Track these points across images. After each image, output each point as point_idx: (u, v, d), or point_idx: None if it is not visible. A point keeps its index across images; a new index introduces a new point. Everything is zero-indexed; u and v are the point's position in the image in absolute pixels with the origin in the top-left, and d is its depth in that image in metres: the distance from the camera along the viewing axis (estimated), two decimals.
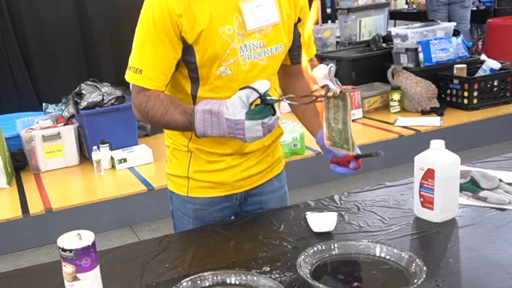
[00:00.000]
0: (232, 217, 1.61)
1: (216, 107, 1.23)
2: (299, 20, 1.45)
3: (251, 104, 1.20)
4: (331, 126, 1.22)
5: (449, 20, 5.97)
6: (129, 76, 1.36)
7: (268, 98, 1.20)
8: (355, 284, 1.12)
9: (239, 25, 1.34)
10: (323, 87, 1.20)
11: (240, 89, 1.21)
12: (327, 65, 5.14)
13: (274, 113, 1.21)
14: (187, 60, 1.36)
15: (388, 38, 5.17)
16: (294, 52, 1.49)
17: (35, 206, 3.44)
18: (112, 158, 4.01)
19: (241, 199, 1.57)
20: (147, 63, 1.33)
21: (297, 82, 1.52)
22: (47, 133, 4.01)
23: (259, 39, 1.37)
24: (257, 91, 1.19)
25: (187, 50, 1.34)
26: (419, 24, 5.23)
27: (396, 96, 4.60)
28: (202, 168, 1.50)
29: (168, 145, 1.56)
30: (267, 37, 1.38)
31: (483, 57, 4.85)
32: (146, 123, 1.46)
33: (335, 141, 1.23)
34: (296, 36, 1.46)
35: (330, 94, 1.18)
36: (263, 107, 1.20)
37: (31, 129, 4.06)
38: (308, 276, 1.11)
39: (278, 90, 1.56)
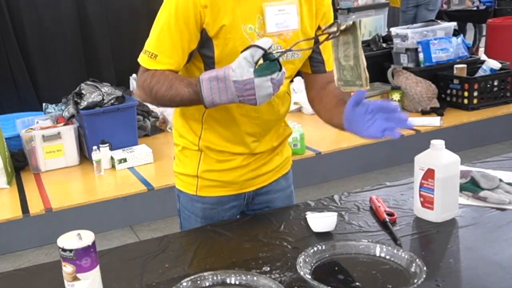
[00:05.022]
0: (238, 216, 1.61)
1: (221, 72, 1.20)
2: (319, 27, 1.43)
3: (256, 62, 1.17)
4: (341, 65, 1.18)
5: (416, 22, 6.05)
6: (143, 60, 1.35)
7: (273, 53, 1.18)
8: (355, 284, 1.12)
9: (260, 26, 1.34)
10: (332, 24, 1.16)
11: (243, 50, 1.19)
12: None
13: (280, 68, 1.19)
14: (205, 54, 1.35)
15: (388, 38, 5.18)
16: (315, 61, 1.47)
17: (35, 206, 3.44)
18: (112, 158, 4.00)
19: (249, 198, 1.57)
20: (163, 50, 1.32)
21: (323, 96, 1.48)
22: (47, 133, 4.01)
23: (277, 43, 1.36)
24: (261, 48, 1.16)
25: (206, 43, 1.33)
26: (419, 24, 5.23)
27: (396, 96, 4.60)
28: (212, 167, 1.50)
29: (178, 143, 1.55)
30: (285, 42, 1.37)
31: (483, 57, 4.85)
32: (150, 102, 1.44)
33: (347, 79, 1.19)
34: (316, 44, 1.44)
35: (342, 27, 1.13)
36: (269, 63, 1.17)
37: (31, 129, 4.06)
38: (308, 276, 1.11)
39: (290, 94, 1.55)
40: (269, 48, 1.18)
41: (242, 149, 1.48)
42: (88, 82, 4.26)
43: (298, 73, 1.52)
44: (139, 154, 4.04)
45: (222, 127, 1.44)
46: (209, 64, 1.36)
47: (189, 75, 1.41)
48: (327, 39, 1.17)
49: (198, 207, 1.55)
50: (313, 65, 1.49)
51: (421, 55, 4.67)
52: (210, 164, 1.50)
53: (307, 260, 1.17)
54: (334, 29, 1.16)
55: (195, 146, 1.49)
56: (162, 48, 1.32)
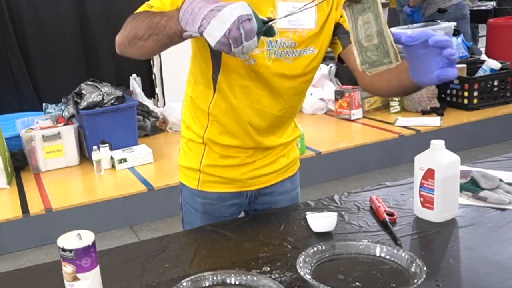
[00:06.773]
0: (242, 214, 1.62)
1: None
2: (339, 24, 1.40)
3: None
4: (363, 47, 1.09)
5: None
6: (139, 8, 1.31)
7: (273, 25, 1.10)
8: (355, 284, 1.12)
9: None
10: None
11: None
12: (327, 65, 5.14)
13: (266, 31, 1.08)
14: None
15: None
16: (342, 37, 1.40)
17: (35, 206, 3.44)
18: (112, 158, 4.00)
19: (252, 197, 1.57)
20: (163, 5, 1.28)
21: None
22: (47, 133, 4.01)
23: (291, 38, 1.35)
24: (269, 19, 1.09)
25: None
26: (419, 24, 5.23)
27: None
28: (214, 162, 1.50)
29: (184, 136, 1.55)
30: (300, 39, 1.36)
31: (483, 57, 4.85)
32: (125, 38, 1.29)
33: (372, 60, 1.09)
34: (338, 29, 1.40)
35: None
36: (263, 22, 1.07)
37: (31, 129, 4.06)
38: (308, 276, 1.11)
39: (302, 94, 1.49)
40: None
41: (246, 143, 1.47)
42: (88, 82, 4.26)
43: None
44: (139, 154, 4.04)
45: (227, 117, 1.43)
46: (216, 54, 1.35)
47: (198, 64, 1.41)
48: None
49: (199, 201, 1.55)
50: (342, 43, 1.41)
51: None
52: (213, 159, 1.50)
53: (307, 260, 1.17)
54: None
55: (200, 139, 1.49)
56: (163, 2, 1.29)
